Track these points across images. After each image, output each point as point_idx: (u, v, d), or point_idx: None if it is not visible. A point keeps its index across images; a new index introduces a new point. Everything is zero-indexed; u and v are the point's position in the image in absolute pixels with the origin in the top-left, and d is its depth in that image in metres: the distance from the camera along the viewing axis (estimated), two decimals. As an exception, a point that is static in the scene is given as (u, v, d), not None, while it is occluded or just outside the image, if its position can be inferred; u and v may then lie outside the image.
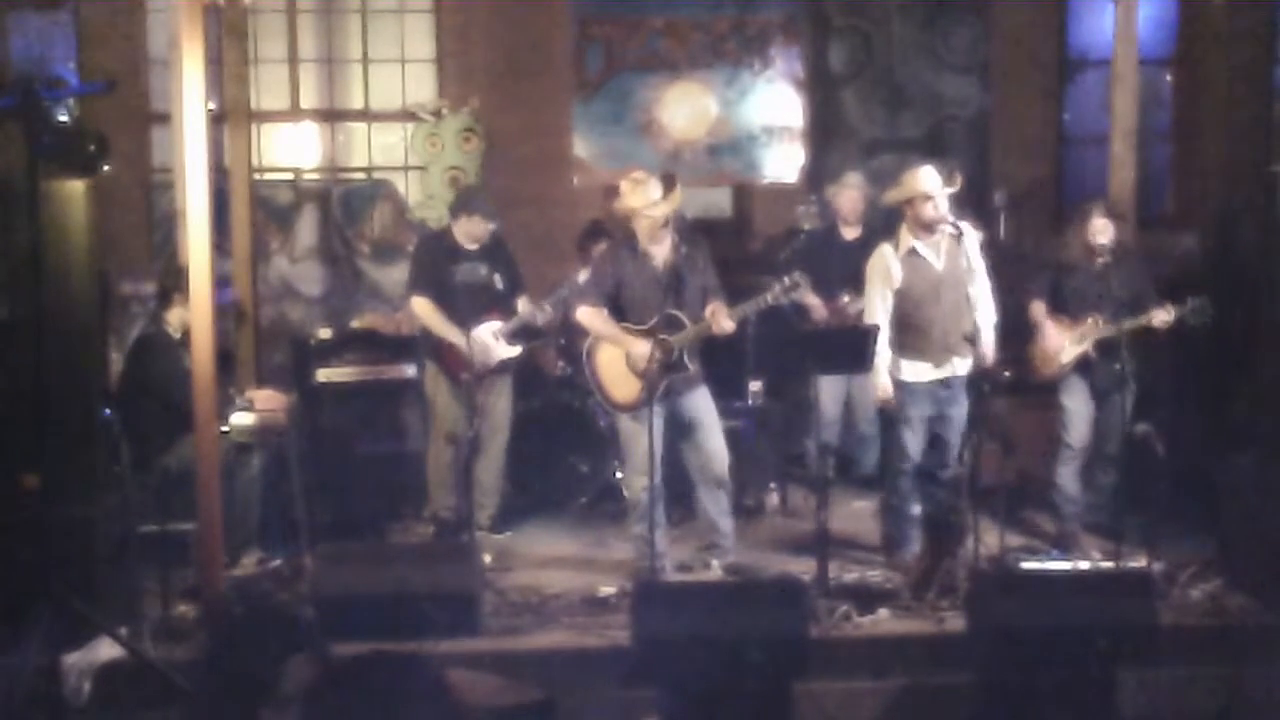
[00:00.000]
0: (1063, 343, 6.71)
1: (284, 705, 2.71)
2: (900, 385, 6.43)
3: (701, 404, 6.45)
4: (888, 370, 6.42)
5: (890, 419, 6.50)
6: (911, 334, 6.39)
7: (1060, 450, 6.81)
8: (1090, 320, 6.65)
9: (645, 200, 6.34)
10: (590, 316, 6.45)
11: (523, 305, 7.19)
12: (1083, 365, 6.70)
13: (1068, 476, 6.80)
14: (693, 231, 6.90)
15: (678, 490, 6.66)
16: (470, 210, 7.16)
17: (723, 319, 6.21)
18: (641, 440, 6.18)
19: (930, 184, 6.31)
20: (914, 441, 6.44)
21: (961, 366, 6.41)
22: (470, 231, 7.12)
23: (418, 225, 9.04)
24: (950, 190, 6.34)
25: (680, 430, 6.42)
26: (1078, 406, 6.75)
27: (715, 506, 6.47)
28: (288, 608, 5.72)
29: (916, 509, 6.56)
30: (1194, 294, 6.51)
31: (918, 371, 6.41)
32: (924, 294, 6.38)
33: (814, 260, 7.54)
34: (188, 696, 4.96)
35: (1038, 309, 6.82)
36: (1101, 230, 6.63)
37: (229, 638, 4.91)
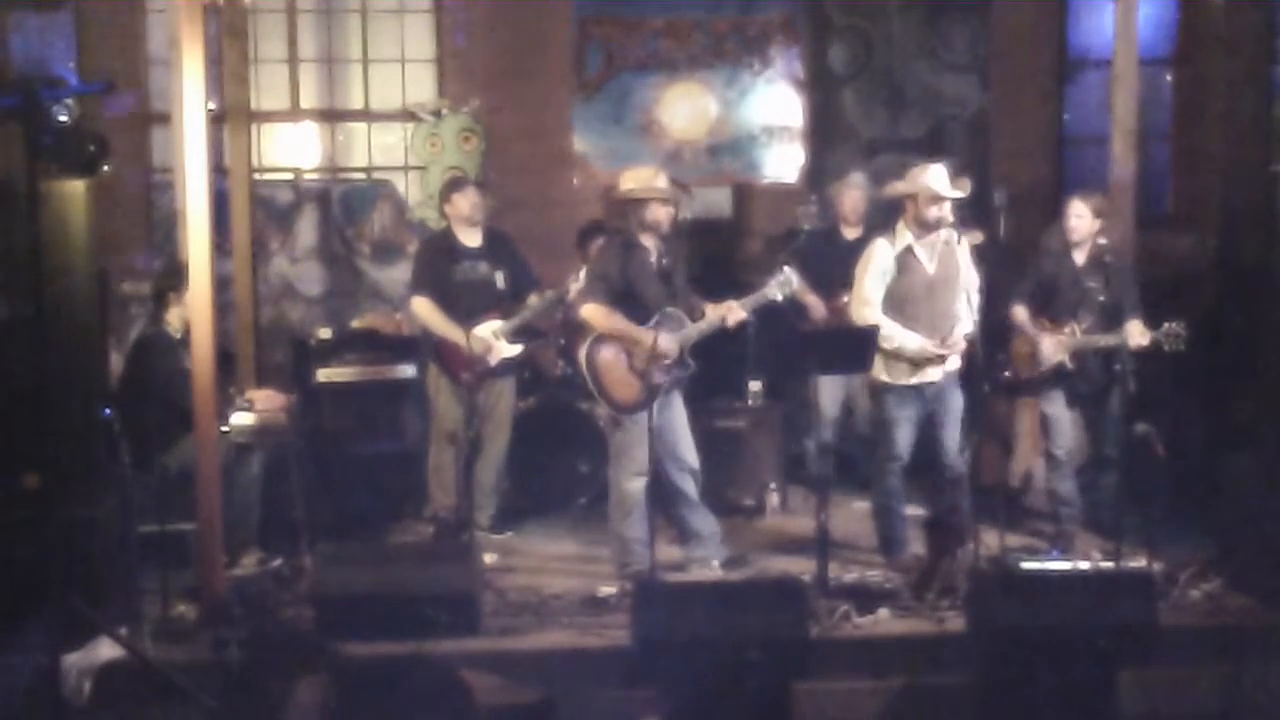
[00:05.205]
0: (1042, 347, 6.68)
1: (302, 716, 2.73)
2: (885, 386, 6.38)
3: (678, 402, 6.44)
4: (894, 342, 6.27)
5: (879, 419, 6.46)
6: None
7: (1048, 458, 6.81)
8: (1068, 329, 6.62)
9: (655, 189, 6.31)
10: (598, 314, 6.32)
11: (534, 299, 7.16)
12: (1060, 374, 6.66)
13: (1059, 482, 6.78)
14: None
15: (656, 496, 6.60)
16: (457, 188, 7.14)
17: (736, 310, 6.21)
18: (642, 440, 6.16)
19: (939, 183, 6.27)
20: (902, 441, 6.39)
21: (949, 363, 6.37)
22: (467, 213, 7.07)
23: (418, 225, 9.05)
24: (959, 194, 6.32)
25: (659, 429, 6.29)
26: (1057, 413, 6.73)
27: (689, 507, 6.41)
28: (298, 625, 5.70)
29: (908, 508, 6.56)
30: (1172, 318, 6.45)
31: (898, 372, 6.35)
32: (913, 294, 6.33)
33: (814, 260, 7.54)
34: (204, 708, 4.94)
35: (1019, 313, 6.77)
36: (1077, 216, 6.61)
37: (244, 656, 4.90)
